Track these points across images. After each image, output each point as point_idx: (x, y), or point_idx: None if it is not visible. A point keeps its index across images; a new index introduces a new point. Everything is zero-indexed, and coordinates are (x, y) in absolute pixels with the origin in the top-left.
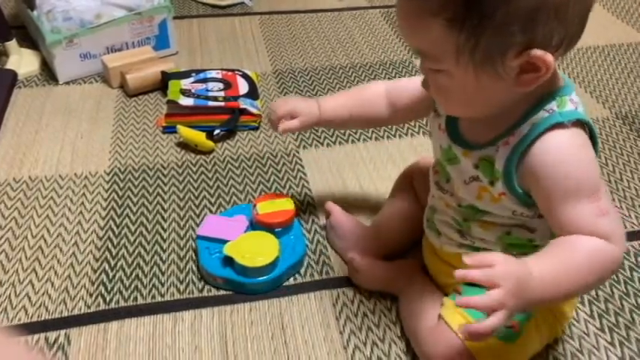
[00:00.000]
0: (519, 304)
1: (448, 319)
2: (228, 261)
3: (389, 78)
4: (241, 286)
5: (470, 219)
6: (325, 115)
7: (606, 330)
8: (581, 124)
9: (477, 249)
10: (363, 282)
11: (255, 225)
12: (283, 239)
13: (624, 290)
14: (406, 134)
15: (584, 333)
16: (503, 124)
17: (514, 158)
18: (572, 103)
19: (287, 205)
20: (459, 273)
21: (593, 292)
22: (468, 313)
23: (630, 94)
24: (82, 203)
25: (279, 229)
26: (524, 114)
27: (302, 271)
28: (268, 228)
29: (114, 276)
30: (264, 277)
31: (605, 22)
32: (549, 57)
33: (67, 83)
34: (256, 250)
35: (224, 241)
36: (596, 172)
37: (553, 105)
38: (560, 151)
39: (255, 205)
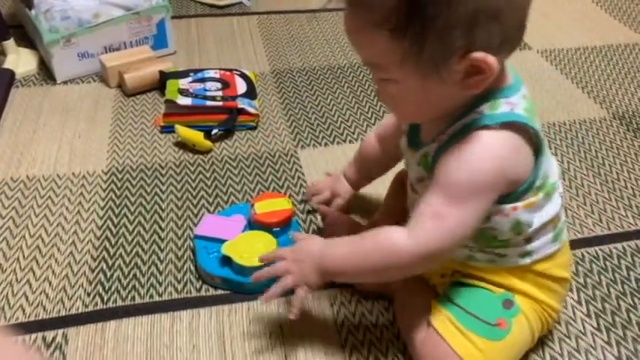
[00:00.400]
0: (318, 275)
1: (437, 326)
2: (226, 260)
3: None
4: (239, 286)
5: None
6: (354, 185)
7: (603, 329)
8: (517, 126)
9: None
10: (359, 287)
11: (253, 224)
12: (281, 239)
13: (621, 290)
14: None
15: (581, 332)
16: (444, 123)
17: (438, 155)
18: (509, 105)
19: (284, 204)
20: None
21: (589, 292)
22: (455, 319)
23: (627, 94)
24: (80, 203)
25: (277, 229)
26: (460, 114)
27: None
28: (266, 227)
29: (111, 275)
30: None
31: (601, 22)
32: (491, 59)
33: (65, 83)
34: (254, 250)
35: (222, 241)
36: (483, 191)
37: (485, 107)
38: (475, 155)
39: (252, 205)
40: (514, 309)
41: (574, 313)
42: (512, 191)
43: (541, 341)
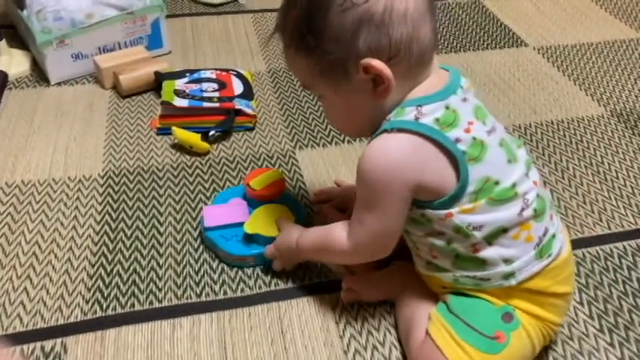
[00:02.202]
0: (294, 256)
1: (434, 335)
2: (249, 239)
3: None
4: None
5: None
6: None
7: (605, 331)
8: (416, 133)
9: (435, 265)
10: (363, 298)
11: (252, 201)
12: (286, 206)
13: (622, 290)
14: None
15: (584, 334)
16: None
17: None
18: (416, 112)
19: (276, 175)
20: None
21: (591, 293)
22: (454, 330)
23: (625, 91)
24: (77, 207)
25: (277, 199)
26: (378, 122)
27: (300, 274)
28: (267, 201)
29: (110, 282)
30: None
31: (598, 19)
32: (377, 62)
33: (59, 84)
34: (274, 221)
35: (233, 225)
36: (385, 194)
37: (391, 115)
38: (367, 157)
39: (248, 184)
40: (514, 322)
41: (576, 315)
42: (440, 196)
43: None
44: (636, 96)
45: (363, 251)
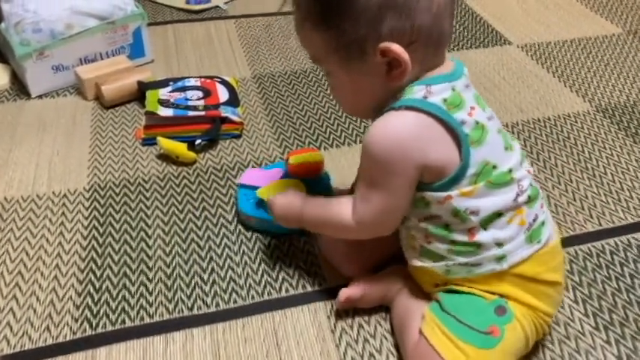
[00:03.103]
0: (296, 222)
1: (427, 334)
2: (261, 204)
3: None
4: (271, 226)
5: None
6: None
7: (601, 328)
8: (424, 112)
9: (429, 252)
10: (358, 305)
11: (288, 175)
12: (312, 188)
13: (616, 286)
14: None
15: (580, 333)
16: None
17: None
18: (425, 91)
19: (316, 157)
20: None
21: (585, 290)
22: (447, 328)
23: (609, 86)
24: (62, 223)
25: (310, 179)
26: (385, 104)
27: (294, 282)
28: (299, 177)
29: (99, 299)
30: None
31: (579, 15)
32: (397, 47)
33: (40, 97)
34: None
35: (258, 188)
36: (391, 172)
37: (401, 94)
38: (373, 133)
39: (287, 158)
40: (507, 315)
41: (572, 314)
42: (441, 178)
43: (541, 344)
44: (620, 91)
45: (367, 228)
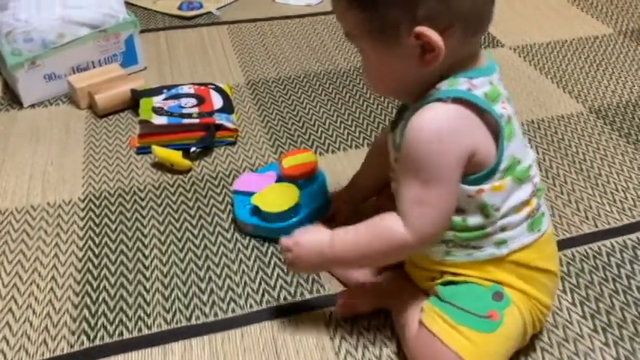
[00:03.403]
0: (321, 262)
1: (428, 323)
2: (256, 210)
3: (364, 84)
4: (267, 231)
5: None
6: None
7: (600, 330)
8: (469, 103)
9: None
10: (359, 311)
11: (282, 178)
12: (307, 189)
13: (613, 288)
14: None
15: (579, 335)
16: (413, 102)
17: (402, 130)
18: (468, 84)
19: (309, 157)
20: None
21: (583, 292)
22: (448, 316)
23: (601, 87)
24: (58, 234)
25: (304, 180)
26: (424, 91)
27: (292, 290)
28: (293, 180)
29: (96, 310)
30: (286, 222)
31: (571, 16)
32: (432, 33)
33: (33, 106)
34: (278, 199)
35: (254, 194)
36: (444, 163)
37: (444, 84)
38: (420, 125)
39: (281, 161)
40: (504, 300)
41: (570, 316)
42: (477, 171)
43: (540, 347)
44: (612, 92)
45: (428, 238)
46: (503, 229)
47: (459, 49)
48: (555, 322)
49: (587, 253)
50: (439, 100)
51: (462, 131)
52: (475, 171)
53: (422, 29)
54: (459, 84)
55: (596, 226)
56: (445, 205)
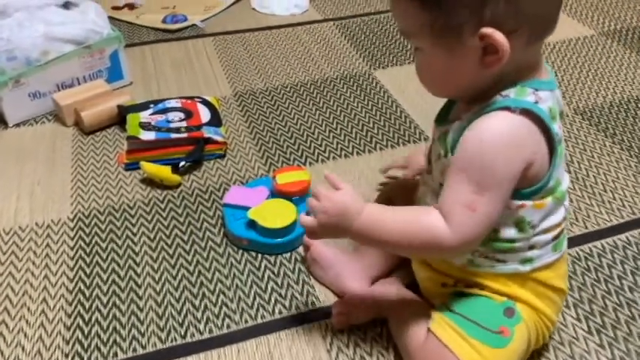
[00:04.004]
0: (336, 230)
1: (438, 333)
2: (252, 224)
3: (351, 92)
4: (263, 246)
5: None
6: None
7: (594, 332)
8: (536, 117)
9: None
10: (355, 321)
11: (275, 194)
12: (301, 206)
13: (606, 289)
14: (375, 149)
15: (574, 338)
16: (469, 103)
17: (460, 131)
18: (535, 96)
19: (303, 176)
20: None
21: (576, 295)
22: (459, 327)
23: (585, 88)
24: (47, 255)
25: (297, 197)
26: (486, 96)
27: (287, 303)
28: (287, 196)
29: (90, 331)
30: (284, 238)
31: None
32: (499, 35)
33: (18, 125)
34: (276, 214)
35: (247, 208)
36: (505, 172)
37: (511, 91)
38: (487, 131)
39: (274, 177)
40: (516, 317)
41: (564, 319)
42: (528, 185)
43: (536, 351)
44: (596, 92)
45: (470, 243)
46: (531, 247)
47: (523, 53)
48: (553, 332)
49: (578, 255)
50: (507, 108)
51: (526, 144)
52: (526, 185)
53: (488, 31)
54: (527, 94)
55: (586, 228)
56: (494, 213)
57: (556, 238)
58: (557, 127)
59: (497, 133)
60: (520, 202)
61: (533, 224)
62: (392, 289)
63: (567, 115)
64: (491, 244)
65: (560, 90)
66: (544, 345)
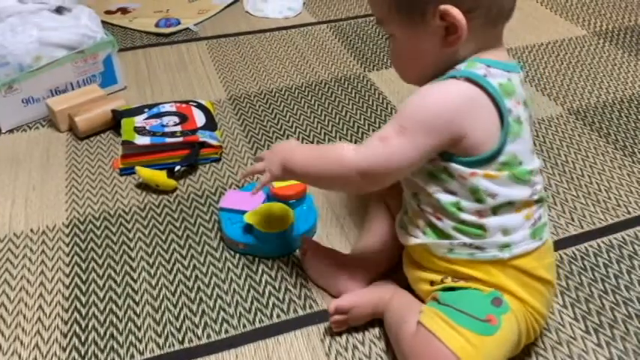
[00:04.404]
0: (282, 168)
1: (427, 323)
2: (249, 228)
3: (345, 94)
4: (260, 250)
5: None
6: None
7: (592, 331)
8: (481, 88)
9: (435, 228)
10: (353, 323)
11: (271, 198)
12: (297, 210)
13: (602, 288)
14: None
15: (572, 337)
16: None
17: None
18: (485, 70)
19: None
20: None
21: (573, 294)
22: (447, 316)
23: (578, 88)
24: (43, 262)
25: (293, 201)
26: (440, 73)
27: (285, 307)
28: (283, 200)
29: (86, 338)
30: (280, 242)
31: (543, 18)
32: (456, 11)
33: (11, 131)
34: (273, 218)
35: (243, 212)
36: (428, 123)
37: (462, 65)
38: (428, 89)
39: None
40: (503, 306)
41: (562, 319)
42: (469, 154)
43: (534, 351)
44: (590, 92)
45: (370, 170)
46: (504, 231)
47: (481, 35)
48: (548, 326)
49: (574, 254)
50: (453, 77)
51: (463, 111)
52: (470, 154)
53: (447, 8)
54: (476, 67)
55: (582, 227)
56: (399, 155)
57: (531, 221)
58: (510, 104)
59: (436, 91)
60: (470, 170)
61: (489, 192)
62: (388, 289)
63: (561, 116)
64: (461, 227)
65: (523, 74)
66: (541, 344)
